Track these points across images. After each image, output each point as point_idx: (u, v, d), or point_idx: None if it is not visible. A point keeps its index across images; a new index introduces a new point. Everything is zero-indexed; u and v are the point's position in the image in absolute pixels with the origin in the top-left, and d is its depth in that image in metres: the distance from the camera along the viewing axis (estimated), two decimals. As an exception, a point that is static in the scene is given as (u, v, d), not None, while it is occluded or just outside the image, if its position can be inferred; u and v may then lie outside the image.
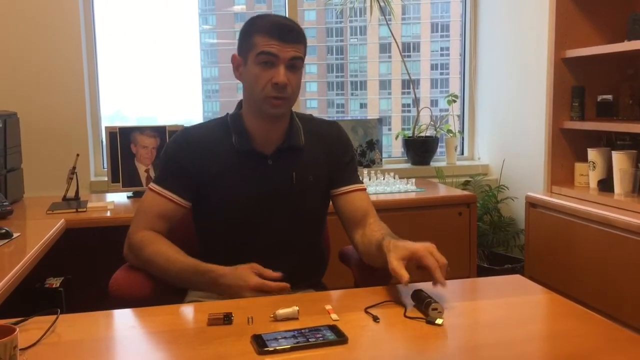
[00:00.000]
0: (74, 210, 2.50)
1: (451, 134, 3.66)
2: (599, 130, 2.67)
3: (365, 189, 1.75)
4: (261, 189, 1.63)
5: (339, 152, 1.73)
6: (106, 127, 2.88)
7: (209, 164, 1.63)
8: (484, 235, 3.36)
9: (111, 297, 1.53)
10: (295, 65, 1.57)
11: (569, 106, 2.77)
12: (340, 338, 1.15)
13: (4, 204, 2.35)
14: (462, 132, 3.83)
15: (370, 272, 1.66)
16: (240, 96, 1.71)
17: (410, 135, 3.63)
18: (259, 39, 1.55)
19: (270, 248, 1.66)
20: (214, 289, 1.52)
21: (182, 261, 1.55)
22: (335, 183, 1.72)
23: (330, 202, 1.75)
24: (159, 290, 1.58)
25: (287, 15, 3.46)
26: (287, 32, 1.56)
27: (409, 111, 4.06)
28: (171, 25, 3.58)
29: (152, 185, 1.65)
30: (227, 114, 1.71)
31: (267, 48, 1.54)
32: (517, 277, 1.61)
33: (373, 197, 2.81)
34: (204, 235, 1.74)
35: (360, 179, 1.78)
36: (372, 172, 3.08)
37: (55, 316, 1.25)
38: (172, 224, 1.64)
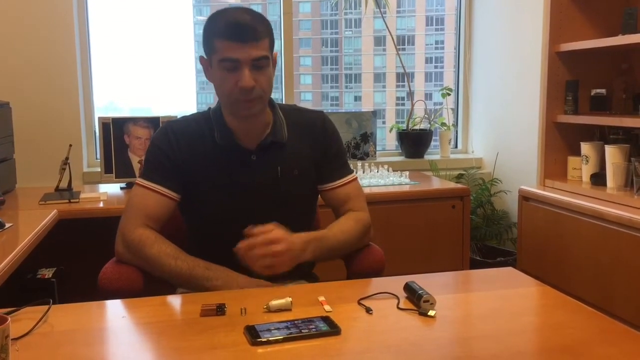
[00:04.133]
0: (67, 201, 2.49)
1: (445, 127, 3.67)
2: (593, 124, 2.68)
3: (354, 179, 1.75)
4: (246, 185, 1.63)
5: (324, 144, 1.71)
6: (99, 118, 2.86)
7: (193, 158, 1.62)
8: (477, 228, 3.37)
9: (100, 290, 1.52)
10: (260, 65, 1.52)
11: (562, 100, 2.77)
12: (333, 329, 1.16)
13: (-4, 194, 2.34)
14: (456, 125, 3.83)
15: (363, 264, 1.67)
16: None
17: (405, 128, 3.63)
18: (218, 42, 1.51)
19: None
20: (231, 284, 1.50)
21: (192, 259, 1.53)
22: (323, 179, 1.72)
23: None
24: (148, 283, 1.58)
25: (281, 7, 3.45)
26: (244, 31, 1.49)
27: (403, 104, 4.06)
28: (165, 16, 3.56)
29: (140, 180, 1.63)
30: (209, 107, 1.70)
31: (227, 54, 1.49)
32: (509, 270, 1.62)
33: (367, 190, 2.81)
34: (192, 229, 1.73)
35: (350, 166, 1.77)
36: (366, 164, 3.09)
37: (47, 306, 1.25)
38: (165, 218, 1.62)
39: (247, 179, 1.63)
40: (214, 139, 1.63)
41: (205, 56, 1.59)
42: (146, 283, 1.57)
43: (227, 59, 1.50)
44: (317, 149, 1.70)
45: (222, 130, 1.63)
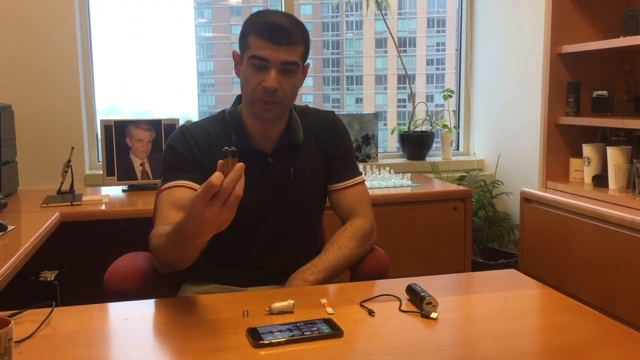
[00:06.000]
0: (69, 203, 2.50)
1: (447, 129, 3.67)
2: (594, 125, 2.68)
3: (362, 182, 1.76)
4: (261, 187, 1.63)
5: (334, 143, 1.73)
6: (101, 120, 2.87)
7: (211, 160, 1.61)
8: (478, 230, 3.37)
9: (106, 290, 1.53)
10: (288, 70, 1.53)
11: (564, 102, 2.78)
12: (335, 331, 1.16)
13: (-1, 197, 2.34)
14: (457, 127, 3.83)
15: (367, 268, 1.67)
16: (236, 90, 1.70)
17: (406, 130, 3.64)
18: (252, 39, 1.52)
19: (268, 242, 1.66)
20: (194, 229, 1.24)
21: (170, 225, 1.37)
22: (332, 178, 1.73)
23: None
24: (153, 284, 1.58)
25: (283, 10, 3.45)
26: (280, 33, 1.50)
27: (404, 106, 4.06)
28: (167, 19, 3.56)
29: (163, 185, 1.60)
30: (225, 110, 1.69)
31: (259, 52, 1.50)
32: (511, 272, 1.62)
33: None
34: None
35: (358, 168, 1.78)
36: (368, 166, 3.09)
37: (50, 309, 1.25)
38: None
39: (263, 181, 1.63)
40: (230, 142, 1.63)
41: (239, 51, 1.60)
42: (151, 284, 1.57)
43: (257, 56, 1.51)
44: (328, 149, 1.71)
45: (239, 132, 1.63)
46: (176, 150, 1.62)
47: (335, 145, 1.73)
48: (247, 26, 1.56)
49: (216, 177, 1.14)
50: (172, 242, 1.34)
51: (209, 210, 1.16)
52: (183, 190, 1.55)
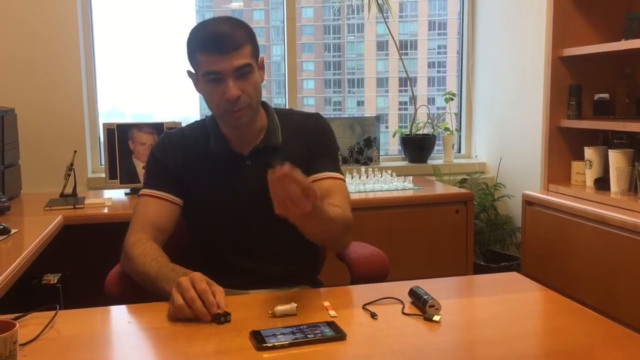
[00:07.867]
0: (72, 206, 2.50)
1: (448, 132, 3.67)
2: (596, 128, 2.68)
3: (340, 179, 1.68)
4: (241, 190, 1.64)
5: (314, 142, 1.70)
6: (104, 124, 2.87)
7: (190, 165, 1.65)
8: (480, 233, 3.37)
9: (107, 295, 1.53)
10: (244, 73, 1.52)
11: (566, 105, 2.78)
12: (338, 334, 1.16)
13: (2, 200, 2.35)
14: (459, 130, 3.84)
15: (367, 269, 1.68)
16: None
17: (408, 133, 3.64)
18: (200, 57, 1.52)
19: (260, 247, 1.66)
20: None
21: (166, 262, 1.46)
22: (311, 171, 1.66)
23: None
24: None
25: (285, 13, 3.46)
26: (223, 42, 1.50)
27: (406, 109, 4.06)
28: (168, 22, 3.57)
29: (143, 190, 1.65)
30: (206, 116, 1.71)
31: (209, 67, 1.51)
32: (513, 275, 1.62)
33: (370, 195, 2.82)
34: (193, 234, 1.74)
35: (340, 169, 1.71)
36: (370, 169, 3.09)
37: (54, 312, 1.26)
38: (170, 224, 1.62)
39: (242, 184, 1.64)
40: (209, 147, 1.65)
41: (193, 70, 1.60)
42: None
43: (209, 72, 1.51)
44: (308, 149, 1.69)
45: (217, 137, 1.65)
46: (156, 157, 1.67)
47: (317, 144, 1.70)
48: (191, 44, 1.55)
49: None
50: (150, 284, 1.43)
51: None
52: (158, 204, 1.61)
